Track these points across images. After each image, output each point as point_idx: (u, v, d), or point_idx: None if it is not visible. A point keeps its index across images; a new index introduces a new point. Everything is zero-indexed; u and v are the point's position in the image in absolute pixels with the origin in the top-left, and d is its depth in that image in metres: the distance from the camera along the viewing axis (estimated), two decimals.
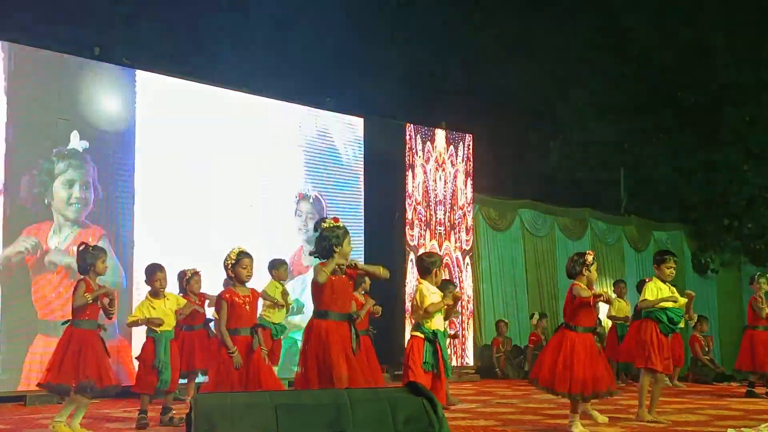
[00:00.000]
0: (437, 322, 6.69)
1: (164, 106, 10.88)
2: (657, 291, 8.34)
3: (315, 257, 6.37)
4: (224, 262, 6.96)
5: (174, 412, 7.80)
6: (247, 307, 6.88)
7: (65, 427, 7.03)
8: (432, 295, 6.69)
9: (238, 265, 6.89)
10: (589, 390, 7.24)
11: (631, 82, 18.88)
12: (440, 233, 13.88)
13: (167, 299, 7.84)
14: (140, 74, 10.71)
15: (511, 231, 15.62)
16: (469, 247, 14.30)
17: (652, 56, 18.88)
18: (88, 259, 7.16)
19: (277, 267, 9.92)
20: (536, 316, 14.43)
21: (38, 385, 7.36)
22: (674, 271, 8.50)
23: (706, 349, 14.23)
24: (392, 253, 13.03)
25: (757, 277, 11.23)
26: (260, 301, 8.70)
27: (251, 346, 6.78)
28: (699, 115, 18.70)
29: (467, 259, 14.25)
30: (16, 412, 8.70)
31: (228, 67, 13.96)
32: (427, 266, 6.84)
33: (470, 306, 14.23)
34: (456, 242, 14.10)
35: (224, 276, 7.43)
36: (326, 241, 6.21)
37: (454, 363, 13.67)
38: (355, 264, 6.45)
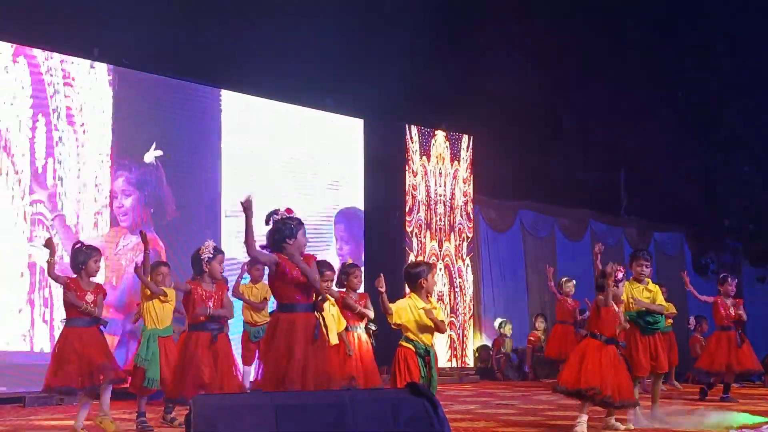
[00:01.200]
0: (427, 337, 6.50)
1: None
2: (631, 292, 8.36)
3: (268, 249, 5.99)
4: (200, 256, 6.88)
5: (174, 413, 7.79)
6: (211, 303, 6.84)
7: (110, 422, 7.05)
8: (413, 309, 6.45)
9: (214, 260, 6.86)
10: (617, 397, 7.19)
11: (631, 83, 18.85)
12: (440, 234, 13.87)
13: (168, 301, 7.87)
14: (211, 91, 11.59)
15: (511, 232, 15.61)
16: (469, 249, 14.29)
17: (652, 57, 18.86)
18: (80, 257, 7.15)
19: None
20: (540, 319, 14.38)
21: (43, 390, 7.32)
22: (646, 269, 8.46)
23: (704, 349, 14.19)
24: (392, 255, 13.02)
25: (727, 278, 11.15)
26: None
27: (213, 340, 6.78)
28: (699, 116, 18.67)
29: (467, 260, 14.23)
30: (15, 413, 8.68)
31: (229, 70, 13.93)
32: (414, 277, 6.55)
33: (471, 307, 14.21)
34: (456, 243, 14.08)
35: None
36: (278, 234, 5.88)
37: (453, 364, 13.66)
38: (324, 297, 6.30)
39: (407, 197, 13.41)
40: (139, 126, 10.73)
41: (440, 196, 13.93)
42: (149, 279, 7.77)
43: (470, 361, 13.97)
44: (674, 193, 19.15)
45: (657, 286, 8.75)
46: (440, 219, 13.91)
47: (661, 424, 7.87)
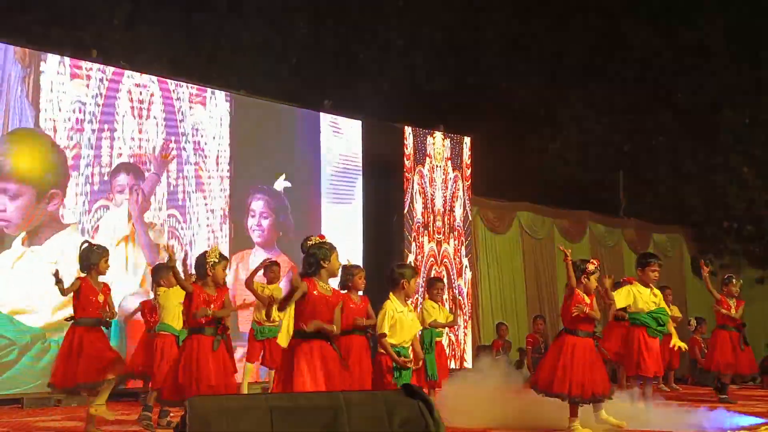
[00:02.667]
0: (406, 339, 6.75)
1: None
2: (636, 295, 8.40)
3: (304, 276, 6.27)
4: (204, 260, 6.88)
5: (172, 415, 7.80)
6: (212, 306, 6.82)
7: (106, 410, 7.19)
8: (397, 314, 6.67)
9: (219, 265, 6.88)
10: (588, 393, 7.27)
11: (630, 84, 18.86)
12: (439, 236, 13.87)
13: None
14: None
15: (509, 233, 15.60)
16: (467, 250, 14.29)
17: (651, 58, 18.87)
18: (92, 258, 7.26)
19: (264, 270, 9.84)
20: (539, 320, 14.35)
21: (48, 385, 7.43)
22: (658, 275, 8.53)
23: (705, 351, 14.18)
24: (391, 257, 13.02)
25: (731, 280, 11.13)
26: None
27: (214, 348, 6.79)
28: (698, 116, 18.67)
29: (466, 262, 14.23)
30: (14, 415, 8.68)
31: (225, 70, 13.96)
32: (395, 278, 6.81)
33: (469, 309, 14.21)
34: (455, 245, 14.08)
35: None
36: (313, 258, 6.17)
37: (452, 366, 13.65)
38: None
39: (405, 199, 13.41)
40: (257, 151, 11.89)
41: (438, 197, 13.93)
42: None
43: (469, 363, 13.96)
44: (673, 194, 19.16)
45: (660, 292, 8.80)
46: (438, 220, 13.91)
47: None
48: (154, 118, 10.78)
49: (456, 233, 14.14)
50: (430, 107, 15.80)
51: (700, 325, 14.21)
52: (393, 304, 6.76)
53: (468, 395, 8.15)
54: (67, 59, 10.01)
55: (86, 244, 7.40)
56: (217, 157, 11.44)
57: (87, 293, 7.17)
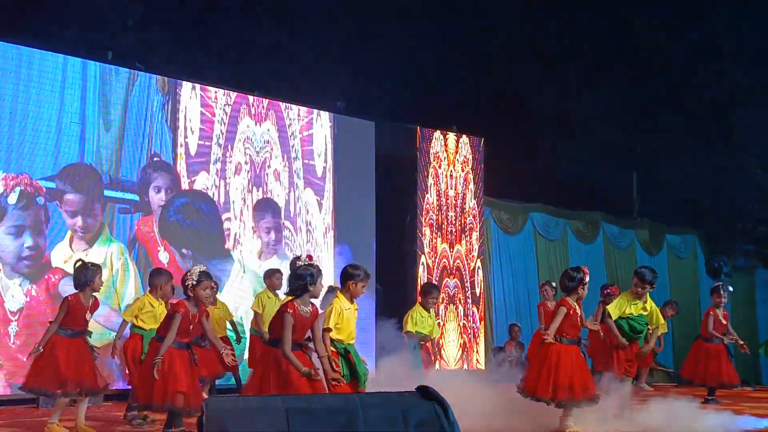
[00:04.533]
0: (351, 335, 6.92)
1: None
2: (626, 305, 8.51)
3: (287, 294, 6.63)
4: (184, 281, 6.99)
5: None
6: (191, 326, 6.96)
7: (58, 426, 7.40)
8: (344, 311, 6.85)
9: (198, 287, 6.94)
10: (578, 396, 7.42)
11: (642, 85, 18.82)
12: (451, 237, 13.87)
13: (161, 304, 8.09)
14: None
15: (522, 234, 15.59)
16: (480, 251, 14.28)
17: (663, 59, 18.82)
18: (88, 275, 7.46)
19: (269, 276, 9.91)
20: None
21: (20, 388, 7.69)
22: (647, 294, 8.62)
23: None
24: (404, 257, 13.04)
25: (720, 288, 11.01)
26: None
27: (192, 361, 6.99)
28: (711, 117, 18.62)
29: (478, 263, 14.23)
30: (29, 414, 8.74)
31: (238, 71, 13.98)
32: (346, 277, 7.02)
33: (481, 309, 14.20)
34: (467, 246, 14.08)
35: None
36: (302, 280, 6.43)
37: (465, 366, 13.65)
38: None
39: (418, 199, 13.42)
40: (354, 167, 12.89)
41: (451, 198, 13.93)
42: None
43: (482, 364, 13.95)
44: (687, 196, 19.10)
45: (655, 306, 8.82)
46: (451, 221, 13.91)
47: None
48: (268, 131, 11.90)
49: (468, 234, 14.13)
50: (442, 108, 15.79)
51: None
52: (341, 302, 6.88)
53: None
54: (198, 86, 11.20)
55: (80, 262, 7.59)
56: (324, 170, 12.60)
57: (75, 310, 7.40)
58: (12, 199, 9.52)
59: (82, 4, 12.88)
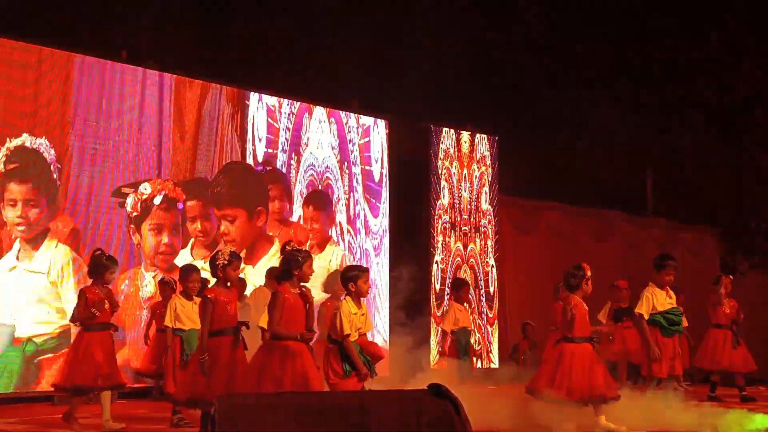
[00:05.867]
0: (354, 335, 6.94)
1: None
2: (651, 297, 8.42)
3: (278, 281, 6.75)
4: (215, 262, 6.82)
5: (181, 414, 7.90)
6: (229, 306, 6.77)
7: (113, 423, 7.44)
8: (352, 315, 6.86)
9: (230, 267, 6.80)
10: (586, 395, 7.36)
11: (657, 83, 18.74)
12: (465, 235, 13.86)
13: (195, 303, 7.99)
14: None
15: (536, 233, 15.56)
16: (494, 250, 14.26)
17: (679, 56, 18.74)
18: (100, 267, 7.54)
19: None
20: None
21: (52, 385, 7.82)
22: (673, 277, 8.52)
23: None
24: (417, 256, 13.03)
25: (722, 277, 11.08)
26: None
27: (234, 346, 6.74)
28: (727, 115, 18.53)
29: (492, 262, 14.21)
30: (44, 412, 8.79)
31: (253, 69, 14.00)
32: (344, 281, 7.03)
33: (495, 308, 14.18)
34: (481, 245, 14.06)
35: None
36: (287, 264, 6.56)
37: (479, 365, 13.64)
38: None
39: (432, 198, 13.41)
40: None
41: (465, 197, 13.92)
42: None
43: (495, 363, 13.94)
44: (702, 194, 19.02)
45: (674, 294, 8.78)
46: (465, 220, 13.90)
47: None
48: (329, 138, 12.60)
49: (483, 233, 14.12)
50: (457, 106, 15.77)
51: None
52: (348, 305, 6.96)
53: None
54: (265, 96, 11.83)
55: (99, 252, 7.64)
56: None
57: (94, 300, 7.47)
58: (157, 200, 10.59)
59: (96, 2, 12.93)
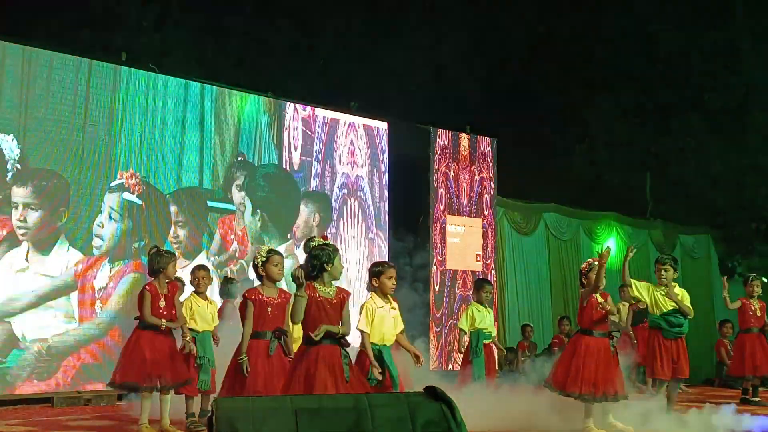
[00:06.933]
0: (386, 336, 6.68)
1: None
2: (656, 295, 8.45)
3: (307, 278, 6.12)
4: (253, 261, 6.66)
5: (194, 417, 7.82)
6: (269, 308, 6.52)
7: (148, 427, 7.24)
8: (377, 310, 6.66)
9: (269, 263, 6.61)
10: (600, 391, 7.35)
11: (657, 85, 18.78)
12: (464, 236, 13.88)
13: (210, 302, 8.02)
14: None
15: (535, 234, 15.59)
16: (493, 251, 14.29)
17: (678, 59, 18.77)
18: (161, 262, 7.37)
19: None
20: (565, 321, 14.33)
21: (109, 384, 7.57)
22: (669, 275, 8.52)
23: (732, 353, 14.09)
24: (416, 258, 13.05)
25: (750, 279, 11.00)
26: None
27: (269, 352, 6.46)
28: (726, 118, 18.56)
29: (491, 263, 14.24)
30: (44, 413, 8.81)
31: (252, 72, 14.04)
32: (369, 276, 6.84)
33: (495, 310, 14.21)
34: (480, 246, 14.09)
35: None
36: (317, 260, 5.99)
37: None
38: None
39: (431, 200, 13.44)
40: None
41: (464, 198, 13.95)
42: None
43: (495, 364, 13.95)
44: (701, 195, 19.05)
45: (684, 291, 8.77)
46: (464, 222, 13.92)
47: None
48: (359, 149, 12.98)
49: (481, 234, 14.14)
50: (456, 108, 15.82)
51: (726, 327, 14.11)
52: (373, 301, 6.73)
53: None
54: (299, 107, 12.25)
55: (155, 249, 7.50)
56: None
57: (152, 298, 7.31)
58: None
59: (96, 4, 12.98)
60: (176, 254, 7.74)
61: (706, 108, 18.92)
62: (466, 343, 9.43)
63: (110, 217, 10.29)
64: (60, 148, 9.97)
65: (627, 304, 11.84)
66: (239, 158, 11.56)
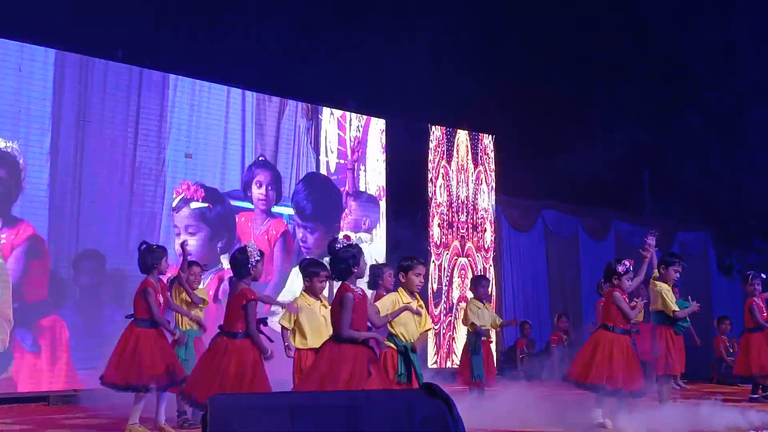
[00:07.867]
0: (409, 333, 6.66)
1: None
2: (668, 294, 8.50)
3: (333, 280, 6.25)
4: (247, 258, 6.59)
5: (186, 415, 7.79)
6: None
7: (140, 428, 7.15)
8: (394, 303, 6.70)
9: (259, 263, 6.64)
10: (628, 388, 7.37)
11: (656, 83, 18.75)
12: (463, 234, 13.86)
13: (204, 301, 8.00)
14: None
15: (533, 232, 15.57)
16: (491, 248, 14.27)
17: (677, 56, 18.74)
18: (150, 259, 7.28)
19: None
20: (563, 319, 14.32)
21: (106, 384, 7.37)
22: (680, 275, 8.61)
23: (731, 350, 14.08)
24: (414, 255, 13.01)
25: (751, 277, 10.93)
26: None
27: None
28: (725, 115, 18.54)
29: (489, 260, 14.21)
30: (39, 412, 8.78)
31: (249, 69, 13.98)
32: (397, 270, 6.89)
33: (492, 307, 14.18)
34: (478, 243, 14.06)
35: None
36: (344, 263, 6.01)
37: None
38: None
39: (429, 197, 13.42)
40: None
41: (462, 196, 13.92)
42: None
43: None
44: (699, 193, 19.01)
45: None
46: (462, 219, 13.90)
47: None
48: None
49: (480, 232, 14.12)
50: (454, 106, 15.78)
51: (724, 323, 14.10)
52: (399, 296, 6.76)
53: None
54: (337, 111, 12.73)
55: (144, 245, 7.42)
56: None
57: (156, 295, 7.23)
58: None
59: (92, 1, 12.92)
60: (166, 249, 7.56)
61: (704, 105, 18.90)
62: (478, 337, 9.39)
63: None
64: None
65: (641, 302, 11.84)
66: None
